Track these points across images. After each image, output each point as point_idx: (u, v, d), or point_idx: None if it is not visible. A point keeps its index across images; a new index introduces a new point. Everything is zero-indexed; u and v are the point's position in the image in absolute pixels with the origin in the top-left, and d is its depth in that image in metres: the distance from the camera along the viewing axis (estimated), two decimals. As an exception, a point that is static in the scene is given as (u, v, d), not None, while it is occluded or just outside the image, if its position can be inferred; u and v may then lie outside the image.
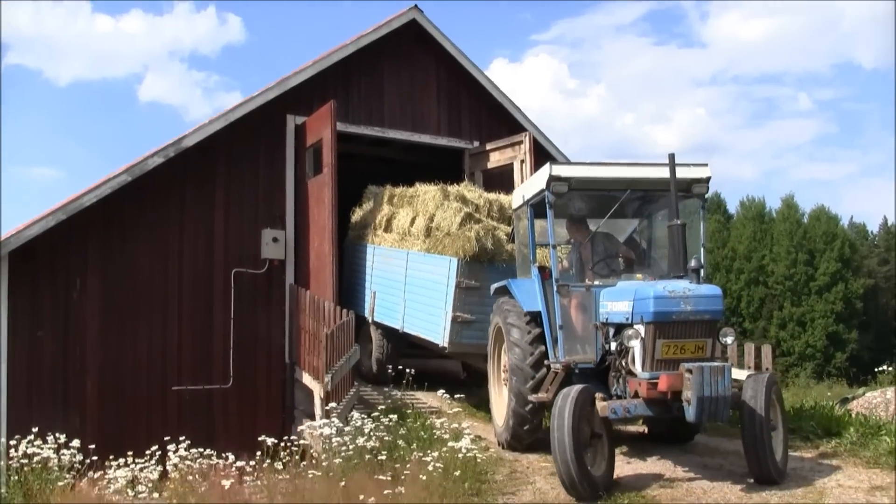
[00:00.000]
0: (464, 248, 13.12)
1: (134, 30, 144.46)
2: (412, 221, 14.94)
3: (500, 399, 10.76)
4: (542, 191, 9.33)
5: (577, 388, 7.95)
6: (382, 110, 17.08)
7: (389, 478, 7.50)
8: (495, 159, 17.27)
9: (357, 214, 16.78)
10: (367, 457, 8.31)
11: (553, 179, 9.06)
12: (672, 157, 8.66)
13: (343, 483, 7.34)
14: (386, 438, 9.00)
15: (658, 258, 10.13)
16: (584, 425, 7.89)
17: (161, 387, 14.40)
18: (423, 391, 13.86)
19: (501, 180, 16.73)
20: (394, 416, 9.97)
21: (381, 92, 17.11)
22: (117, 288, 14.28)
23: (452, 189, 14.83)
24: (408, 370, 12.50)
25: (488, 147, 17.42)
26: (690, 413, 7.63)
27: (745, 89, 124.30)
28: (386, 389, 14.13)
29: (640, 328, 8.16)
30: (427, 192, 14.96)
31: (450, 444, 8.62)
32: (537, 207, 9.86)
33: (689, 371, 7.60)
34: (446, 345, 13.22)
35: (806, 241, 64.56)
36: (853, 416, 11.10)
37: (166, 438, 9.22)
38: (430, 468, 7.70)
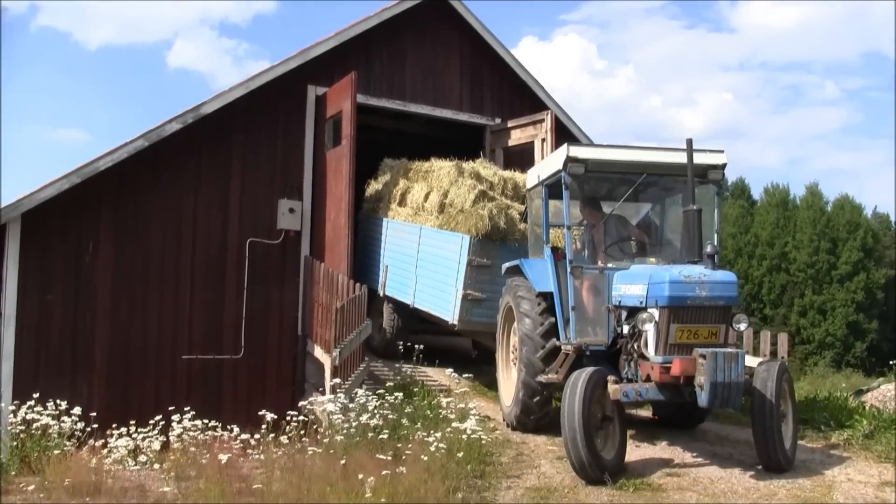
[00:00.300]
0: (476, 226, 13.04)
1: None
2: (426, 197, 14.81)
3: (509, 381, 10.69)
4: (559, 171, 9.28)
5: (589, 369, 8.00)
6: (404, 84, 16.86)
7: (391, 457, 7.35)
8: (516, 137, 17.06)
9: (372, 187, 16.63)
10: (370, 435, 8.18)
11: (570, 160, 9.04)
12: (690, 142, 8.60)
13: (343, 461, 7.19)
14: (390, 416, 8.87)
15: (671, 243, 10.13)
16: (596, 407, 7.95)
17: (171, 356, 14.32)
18: (433, 367, 13.81)
19: (521, 158, 16.51)
20: (400, 394, 9.88)
21: (403, 65, 16.89)
22: (129, 254, 14.19)
23: (467, 166, 14.72)
24: (417, 346, 12.47)
25: (510, 124, 17.21)
26: (703, 398, 7.63)
27: (772, 76, 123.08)
28: (397, 365, 13.97)
29: (655, 312, 8.15)
30: (442, 168, 14.84)
31: (454, 424, 8.44)
32: (552, 188, 9.78)
33: (703, 356, 7.60)
34: (456, 322, 13.17)
35: (829, 229, 64.06)
36: (867, 408, 10.91)
37: (171, 408, 9.21)
38: (433, 448, 7.54)
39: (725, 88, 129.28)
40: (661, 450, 9.34)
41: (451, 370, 11.46)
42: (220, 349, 14.64)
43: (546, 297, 9.80)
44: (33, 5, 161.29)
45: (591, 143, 10.46)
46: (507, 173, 14.82)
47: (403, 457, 7.48)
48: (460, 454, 7.75)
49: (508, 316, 10.65)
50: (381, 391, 9.86)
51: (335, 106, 15.03)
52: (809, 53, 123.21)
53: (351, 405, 8.76)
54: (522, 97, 17.72)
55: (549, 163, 10.05)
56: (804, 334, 63.64)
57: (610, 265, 9.41)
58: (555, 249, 9.78)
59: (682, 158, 8.75)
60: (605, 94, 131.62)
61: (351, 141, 14.30)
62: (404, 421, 9.08)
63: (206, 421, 8.97)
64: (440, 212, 14.24)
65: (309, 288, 14.92)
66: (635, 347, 8.58)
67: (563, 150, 9.20)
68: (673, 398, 8.24)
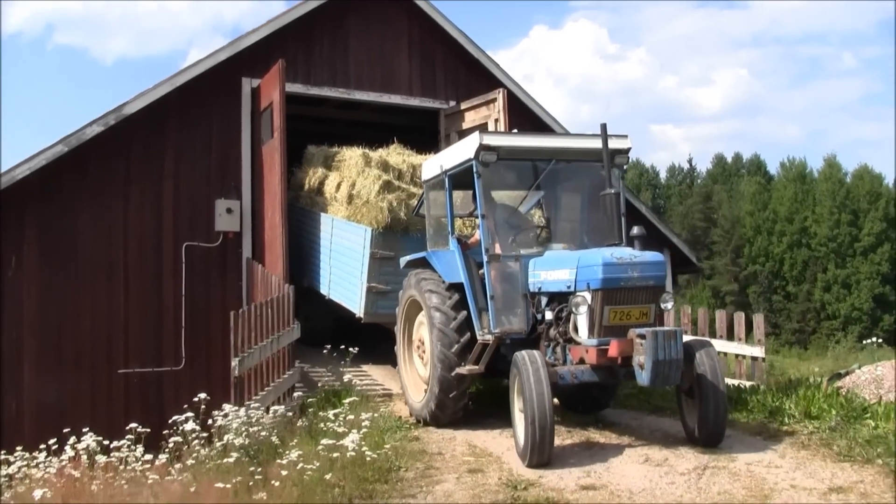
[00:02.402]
0: (376, 218, 13.06)
1: (178, 7, 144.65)
2: (337, 186, 14.45)
3: (413, 375, 10.61)
4: (469, 160, 9.22)
5: (536, 353, 8.00)
6: (348, 70, 16.03)
7: (251, 483, 6.53)
8: (470, 119, 16.15)
9: (296, 176, 15.76)
10: (236, 455, 7.35)
11: (483, 148, 8.99)
12: (604, 127, 8.78)
13: (193, 488, 6.38)
14: (262, 435, 8.04)
15: (570, 229, 10.08)
16: None
17: (106, 370, 13.58)
18: (383, 367, 13.37)
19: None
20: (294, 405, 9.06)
21: (347, 51, 16.03)
22: (57, 265, 13.47)
23: (375, 154, 14.48)
24: (351, 348, 11.75)
25: (463, 106, 16.32)
26: (644, 377, 7.67)
27: (788, 49, 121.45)
28: (341, 368, 13.09)
29: (587, 295, 8.13)
30: (351, 157, 14.55)
31: (324, 441, 7.58)
32: (456, 178, 9.81)
33: (641, 336, 7.65)
34: (362, 315, 13.16)
35: (849, 201, 62.72)
36: (842, 395, 9.96)
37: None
38: (299, 469, 6.71)
39: (741, 65, 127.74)
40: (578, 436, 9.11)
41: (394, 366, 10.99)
42: (159, 361, 13.88)
43: (456, 288, 9.57)
44: (49, 24, 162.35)
45: (500, 132, 10.31)
46: (420, 159, 14.15)
47: (263, 482, 6.65)
48: (328, 475, 6.86)
49: (411, 309, 10.50)
50: (310, 399, 9.68)
51: (267, 97, 14.24)
52: (825, 24, 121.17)
53: (234, 423, 7.93)
54: (479, 77, 16.77)
55: (455, 152, 9.87)
56: (829, 310, 62.38)
57: (523, 252, 9.36)
58: (459, 240, 9.72)
59: (590, 144, 9.14)
60: (619, 77, 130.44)
61: (281, 133, 13.50)
62: (274, 439, 8.17)
63: (107, 442, 8.46)
64: (349, 202, 13.95)
65: (252, 293, 14.10)
66: (561, 332, 8.62)
67: (475, 139, 9.08)
68: (607, 379, 8.36)
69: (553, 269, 8.74)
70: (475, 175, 9.14)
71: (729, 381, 11.11)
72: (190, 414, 8.21)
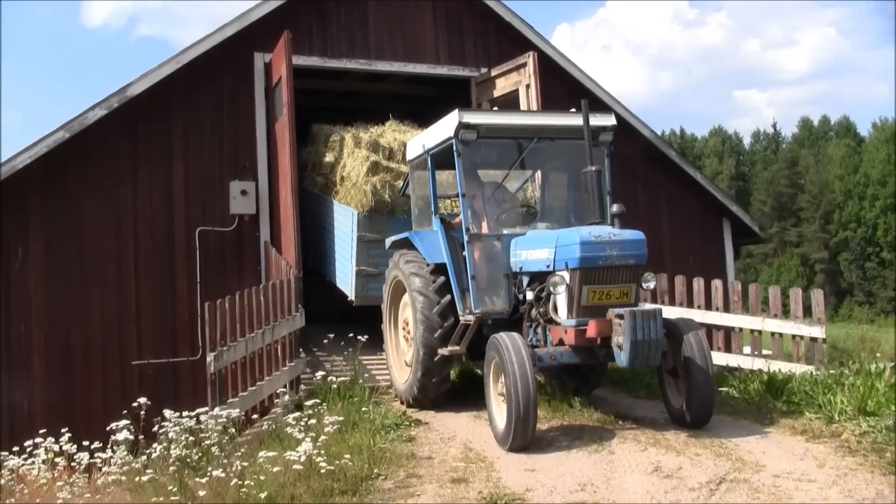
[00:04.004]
0: (361, 201, 12.92)
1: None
2: (331, 167, 14.14)
3: (398, 356, 10.54)
4: (449, 139, 9.09)
5: (516, 335, 7.84)
6: (368, 40, 15.10)
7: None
8: (501, 86, 15.14)
9: (302, 156, 15.06)
10: (150, 474, 6.62)
11: (462, 127, 8.85)
12: (586, 103, 8.63)
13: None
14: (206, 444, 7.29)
15: (556, 208, 9.88)
16: None
17: (118, 362, 13.07)
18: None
19: (508, 109, 14.68)
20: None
21: (366, 19, 15.08)
22: (64, 255, 12.99)
23: (366, 134, 13.84)
24: (360, 337, 10.89)
25: (493, 73, 15.30)
26: (622, 358, 7.55)
27: (879, 4, 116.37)
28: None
29: (565, 274, 8.01)
30: (343, 138, 14.07)
31: (263, 453, 6.78)
32: (439, 157, 9.66)
33: (620, 316, 7.53)
34: (354, 298, 13.09)
35: (947, 159, 59.70)
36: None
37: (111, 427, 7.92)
38: (233, 485, 5.92)
39: (827, 23, 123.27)
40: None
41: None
42: (174, 351, 13.29)
43: (438, 268, 9.45)
44: (132, 17, 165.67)
45: (481, 109, 9.81)
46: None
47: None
48: (263, 494, 6.05)
49: (396, 290, 10.35)
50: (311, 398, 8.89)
51: (277, 72, 13.48)
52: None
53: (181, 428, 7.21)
54: (512, 42, 15.66)
55: (436, 131, 9.68)
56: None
57: (505, 232, 9.22)
58: (442, 220, 9.64)
59: (573, 121, 8.94)
60: (698, 42, 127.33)
61: (290, 109, 12.71)
62: (216, 450, 7.38)
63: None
64: (341, 184, 13.68)
65: (269, 278, 13.38)
66: (542, 312, 8.51)
67: (454, 116, 8.94)
68: (587, 360, 8.25)
69: (533, 249, 8.61)
70: (455, 154, 9.00)
71: (782, 365, 10.40)
72: (125, 421, 7.48)
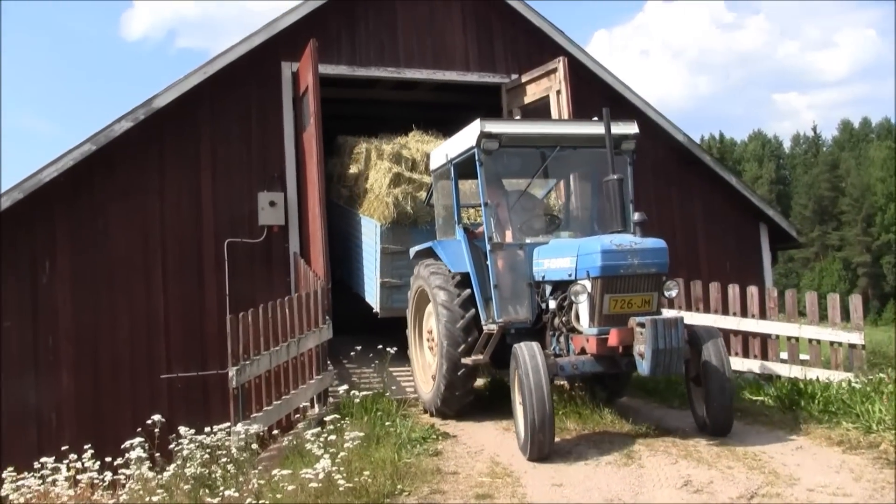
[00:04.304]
0: (383, 213, 12.87)
1: (287, 6, 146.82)
2: (355, 179, 14.19)
3: (423, 365, 10.59)
4: (471, 148, 9.10)
5: (534, 345, 7.83)
6: (397, 47, 14.92)
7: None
8: (532, 92, 14.90)
9: (327, 167, 14.97)
10: (188, 486, 6.44)
11: (484, 136, 8.86)
12: (607, 112, 8.57)
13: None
14: (223, 461, 7.10)
15: (580, 217, 9.98)
16: None
17: (147, 376, 12.91)
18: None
19: (539, 116, 14.45)
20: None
21: (395, 25, 14.91)
22: (91, 268, 12.86)
23: (388, 146, 13.80)
24: (388, 349, 10.74)
25: (524, 79, 15.07)
26: (644, 367, 7.55)
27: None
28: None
29: (587, 283, 8.02)
30: (365, 150, 14.06)
31: (277, 472, 6.57)
32: (462, 166, 9.67)
33: (641, 325, 7.53)
34: (379, 310, 13.04)
35: None
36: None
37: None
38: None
39: (866, 24, 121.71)
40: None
41: None
42: (203, 365, 13.12)
43: (462, 278, 9.48)
44: (171, 30, 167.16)
45: (503, 118, 9.73)
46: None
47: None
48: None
49: (420, 299, 10.40)
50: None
51: (304, 81, 13.31)
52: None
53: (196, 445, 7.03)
54: (542, 46, 15.41)
55: (458, 140, 9.68)
56: None
57: (528, 241, 9.25)
58: (466, 229, 9.66)
59: (595, 129, 8.91)
60: (737, 46, 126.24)
61: (317, 119, 12.52)
62: (231, 468, 7.19)
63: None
64: (364, 196, 13.67)
65: (299, 290, 13.21)
66: (564, 321, 8.50)
67: (476, 126, 8.94)
68: (609, 369, 8.22)
69: (555, 258, 8.63)
70: (477, 163, 9.01)
71: (819, 372, 10.17)
72: (139, 439, 7.33)
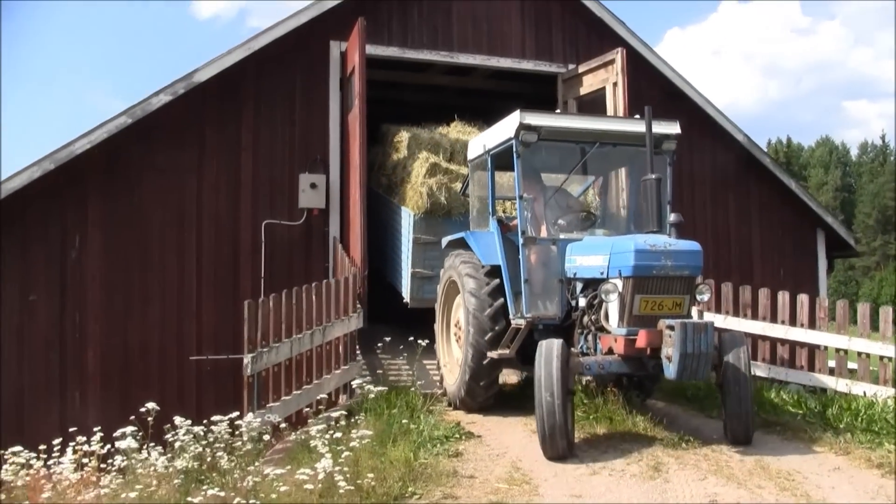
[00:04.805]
0: (417, 203, 12.73)
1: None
2: (394, 168, 13.99)
3: (450, 357, 10.38)
4: (509, 140, 8.91)
5: (558, 342, 7.64)
6: (451, 31, 14.39)
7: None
8: (588, 83, 14.31)
9: (370, 154, 14.48)
10: (176, 482, 6.00)
11: (523, 128, 8.66)
12: (649, 110, 8.38)
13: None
14: (221, 454, 6.64)
15: (617, 215, 9.90)
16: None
17: (176, 357, 12.61)
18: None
19: (595, 108, 13.91)
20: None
21: (449, 9, 14.38)
22: (124, 245, 12.56)
23: (427, 135, 13.76)
24: (420, 341, 10.20)
25: (581, 70, 14.47)
26: (671, 370, 7.42)
27: None
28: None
29: (618, 282, 7.89)
30: (405, 139, 13.86)
31: (270, 470, 6.08)
32: (499, 158, 9.44)
33: (670, 328, 7.39)
34: (409, 300, 12.97)
35: None
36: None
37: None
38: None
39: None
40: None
41: None
42: (236, 347, 12.60)
43: (493, 270, 9.29)
44: (242, 9, 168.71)
45: (543, 111, 9.27)
46: None
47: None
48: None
49: (450, 290, 10.21)
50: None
51: (351, 62, 12.85)
52: None
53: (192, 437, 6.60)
54: (602, 38, 14.83)
55: (497, 131, 9.43)
56: None
57: (562, 237, 9.08)
58: (499, 221, 9.44)
59: (636, 127, 8.79)
60: (810, 52, 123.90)
61: (361, 100, 12.04)
62: (224, 463, 6.70)
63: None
64: (401, 185, 13.51)
65: (336, 275, 12.78)
66: (593, 320, 8.36)
67: (516, 117, 8.73)
68: (636, 371, 8.08)
69: (588, 255, 8.48)
70: (515, 155, 8.79)
71: (867, 387, 9.93)
72: (132, 428, 6.91)
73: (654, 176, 8.08)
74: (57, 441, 8.13)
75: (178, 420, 7.15)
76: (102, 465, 7.55)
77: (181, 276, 12.78)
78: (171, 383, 12.50)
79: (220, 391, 12.36)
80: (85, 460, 7.64)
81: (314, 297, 9.51)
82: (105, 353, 12.34)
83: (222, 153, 13.09)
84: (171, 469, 6.43)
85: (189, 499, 5.59)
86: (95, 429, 7.89)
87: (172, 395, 12.33)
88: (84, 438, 7.88)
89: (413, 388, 9.62)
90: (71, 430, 8.12)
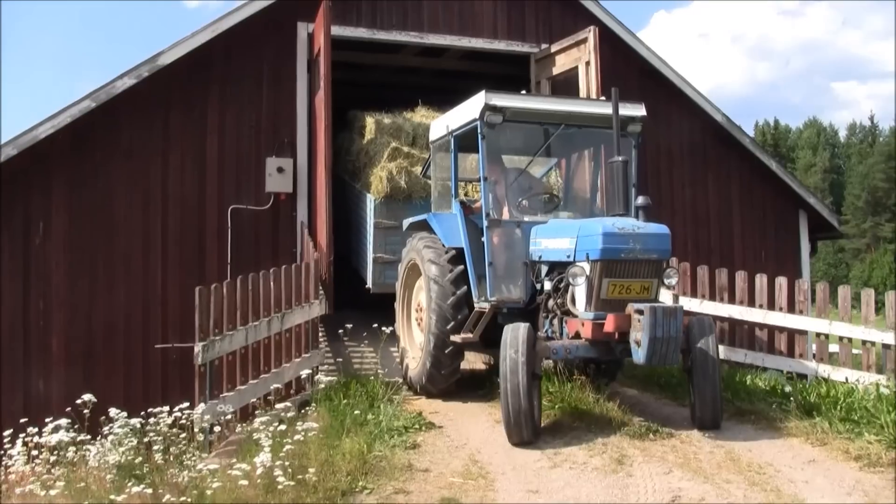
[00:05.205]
0: (377, 187, 12.65)
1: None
2: (357, 153, 14.00)
3: (411, 340, 10.30)
4: (474, 121, 8.82)
5: (524, 325, 7.64)
6: (421, 11, 14.17)
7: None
8: (561, 63, 14.11)
9: (337, 140, 14.51)
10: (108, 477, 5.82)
11: (488, 109, 8.58)
12: (616, 91, 8.33)
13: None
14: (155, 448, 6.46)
15: (580, 197, 9.79)
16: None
17: (141, 345, 12.39)
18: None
19: (568, 89, 13.74)
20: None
21: (420, -12, 14.15)
22: (88, 230, 12.35)
23: (389, 120, 13.70)
24: (384, 328, 10.01)
25: (553, 49, 14.26)
26: (640, 355, 7.34)
27: None
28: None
29: (585, 266, 7.81)
30: (368, 124, 13.85)
31: (203, 466, 5.91)
32: (462, 139, 9.38)
33: (639, 312, 7.32)
34: (371, 286, 12.86)
35: None
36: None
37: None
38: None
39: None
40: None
41: None
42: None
43: (456, 253, 9.22)
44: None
45: (509, 92, 9.15)
46: None
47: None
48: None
49: (411, 272, 10.13)
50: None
51: (317, 43, 12.62)
52: None
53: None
54: (576, 16, 14.59)
55: (461, 112, 9.33)
56: None
57: (526, 219, 8.99)
58: (462, 204, 9.40)
59: (602, 109, 8.78)
60: (798, 34, 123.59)
61: (326, 82, 11.84)
62: (159, 457, 6.54)
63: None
64: (363, 170, 13.52)
65: (304, 261, 12.60)
66: (559, 304, 8.27)
67: (480, 98, 8.67)
68: (603, 355, 8.04)
69: (554, 238, 8.37)
70: (479, 136, 8.72)
71: (850, 373, 9.53)
72: (65, 420, 6.72)
73: (620, 158, 8.02)
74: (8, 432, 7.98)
75: (112, 412, 6.94)
76: (53, 458, 7.38)
77: (146, 262, 12.58)
78: (136, 371, 12.32)
79: (187, 379, 12.10)
80: (34, 452, 7.49)
81: (272, 283, 9.30)
82: (69, 340, 12.14)
83: (188, 137, 12.87)
84: (101, 464, 6.23)
85: (112, 497, 5.40)
86: (47, 420, 7.65)
87: (137, 383, 12.20)
88: (35, 430, 7.73)
89: (373, 377, 9.42)
90: (22, 420, 7.95)
